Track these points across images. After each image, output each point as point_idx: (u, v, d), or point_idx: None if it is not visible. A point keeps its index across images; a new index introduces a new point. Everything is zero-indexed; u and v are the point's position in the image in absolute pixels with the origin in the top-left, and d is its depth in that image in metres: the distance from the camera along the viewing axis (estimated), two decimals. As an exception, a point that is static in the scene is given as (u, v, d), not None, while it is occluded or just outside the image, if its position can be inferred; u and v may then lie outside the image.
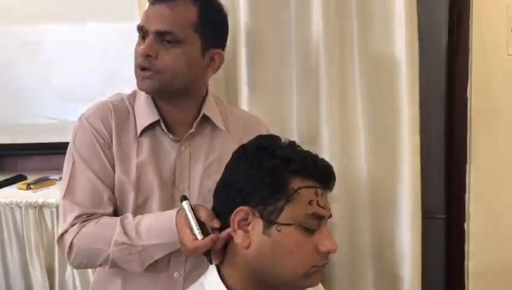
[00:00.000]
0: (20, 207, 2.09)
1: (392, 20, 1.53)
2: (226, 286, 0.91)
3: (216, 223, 0.97)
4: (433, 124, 1.76)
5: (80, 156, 1.16)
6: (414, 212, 1.55)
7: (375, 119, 1.58)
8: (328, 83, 1.54)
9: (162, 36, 1.12)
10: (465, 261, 1.74)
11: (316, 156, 0.95)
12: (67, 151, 1.19)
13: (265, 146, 0.94)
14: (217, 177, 0.99)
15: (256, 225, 0.89)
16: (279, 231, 0.88)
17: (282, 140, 0.97)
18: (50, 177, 2.36)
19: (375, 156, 1.59)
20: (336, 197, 1.53)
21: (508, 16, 1.60)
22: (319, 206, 0.90)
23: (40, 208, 2.08)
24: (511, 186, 1.68)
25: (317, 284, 0.96)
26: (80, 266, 1.18)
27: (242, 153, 0.97)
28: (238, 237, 0.90)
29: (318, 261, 0.90)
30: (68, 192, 1.15)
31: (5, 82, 2.48)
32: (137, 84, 1.16)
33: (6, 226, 2.11)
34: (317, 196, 0.91)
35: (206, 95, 1.26)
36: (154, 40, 1.12)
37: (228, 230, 0.93)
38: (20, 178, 2.40)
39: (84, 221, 1.12)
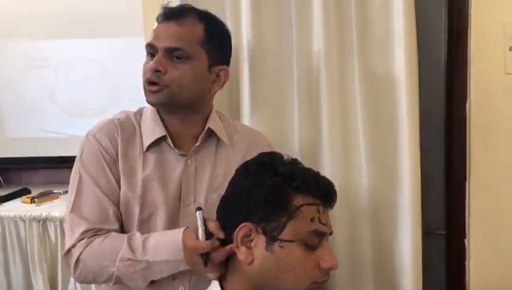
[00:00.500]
0: (24, 221, 2.10)
1: (391, 38, 1.55)
2: (229, 301, 0.93)
3: (221, 235, 0.99)
4: (433, 140, 1.77)
5: (87, 172, 1.18)
6: (414, 228, 1.56)
7: (376, 134, 1.59)
8: (328, 98, 1.56)
9: (171, 52, 1.15)
10: (466, 278, 1.74)
11: (318, 173, 0.98)
12: (74, 166, 1.21)
13: (268, 163, 0.96)
14: (221, 190, 1.01)
15: (259, 241, 0.91)
16: (281, 247, 0.89)
17: (285, 157, 0.99)
18: (54, 191, 2.38)
19: (376, 172, 1.60)
20: (337, 213, 1.54)
21: (506, 35, 1.62)
22: (321, 223, 0.92)
23: (43, 221, 2.09)
24: (511, 202, 1.69)
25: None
26: (84, 281, 1.19)
27: (245, 170, 0.99)
28: (242, 254, 0.92)
29: (319, 278, 0.92)
30: (75, 207, 1.17)
31: (11, 96, 2.51)
32: (146, 97, 1.19)
33: (10, 239, 2.12)
34: (319, 213, 0.92)
35: (211, 111, 1.29)
36: (163, 56, 1.15)
37: (231, 245, 0.94)
38: (24, 192, 2.42)
39: (91, 236, 1.14)
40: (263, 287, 0.92)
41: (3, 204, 2.28)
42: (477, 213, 1.69)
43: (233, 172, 1.03)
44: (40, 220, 2.09)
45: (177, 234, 1.09)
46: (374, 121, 1.58)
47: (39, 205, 2.23)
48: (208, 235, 1.02)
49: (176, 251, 1.08)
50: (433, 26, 1.76)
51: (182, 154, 1.22)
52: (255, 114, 1.59)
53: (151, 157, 1.21)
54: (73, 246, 1.14)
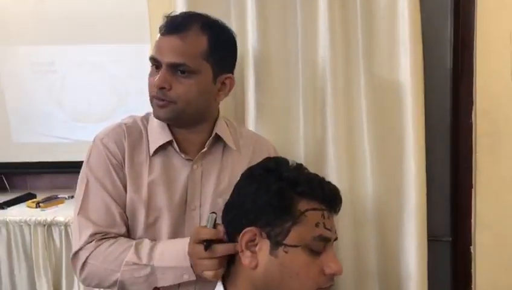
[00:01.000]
0: (29, 225, 2.11)
1: (397, 46, 1.55)
2: (233, 306, 0.93)
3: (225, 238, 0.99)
4: (439, 147, 1.77)
5: (94, 176, 1.19)
6: (420, 235, 1.55)
7: (381, 142, 1.59)
8: (334, 105, 1.56)
9: (174, 68, 1.14)
10: (472, 285, 1.73)
11: (323, 178, 0.98)
12: (81, 170, 1.22)
13: (273, 168, 0.96)
14: (227, 195, 1.02)
15: (264, 245, 0.91)
16: (286, 252, 0.89)
17: (290, 162, 0.99)
18: (59, 196, 2.39)
19: (381, 178, 1.60)
20: (342, 218, 1.54)
21: (512, 42, 1.62)
22: (326, 228, 0.92)
23: (48, 226, 2.10)
24: (517, 209, 1.68)
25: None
26: (89, 284, 1.19)
27: (250, 175, 0.99)
28: (246, 258, 0.92)
29: (324, 284, 0.92)
30: (82, 209, 1.17)
31: (17, 101, 2.53)
32: (153, 112, 1.20)
33: (15, 244, 2.13)
34: (324, 218, 0.92)
35: (217, 117, 1.29)
36: (167, 71, 1.14)
37: (235, 245, 0.94)
38: (29, 196, 2.43)
39: (99, 239, 1.14)
40: (267, 292, 0.92)
41: (9, 208, 2.29)
42: (483, 220, 1.68)
43: (239, 177, 1.03)
44: (45, 225, 2.10)
45: (186, 241, 1.08)
46: (380, 128, 1.58)
47: (44, 210, 2.24)
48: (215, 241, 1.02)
49: (182, 258, 1.08)
50: (439, 32, 1.76)
51: (188, 159, 1.23)
52: (260, 121, 1.59)
53: (158, 161, 1.22)
54: (81, 248, 1.14)
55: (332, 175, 1.56)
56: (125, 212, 1.19)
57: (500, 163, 1.65)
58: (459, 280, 1.78)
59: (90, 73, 2.44)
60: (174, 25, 1.16)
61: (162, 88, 1.14)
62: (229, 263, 1.00)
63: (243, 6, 1.57)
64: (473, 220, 1.70)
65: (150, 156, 1.21)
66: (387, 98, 1.57)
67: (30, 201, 2.34)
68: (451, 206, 1.82)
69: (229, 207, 0.99)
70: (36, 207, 2.27)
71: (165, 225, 1.19)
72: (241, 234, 0.92)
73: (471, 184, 1.69)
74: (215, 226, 1.02)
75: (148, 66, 1.21)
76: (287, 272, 0.89)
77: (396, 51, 1.55)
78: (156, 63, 1.17)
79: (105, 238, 1.15)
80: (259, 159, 1.05)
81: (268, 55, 1.58)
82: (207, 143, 1.24)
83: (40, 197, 2.40)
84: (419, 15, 1.52)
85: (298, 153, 1.60)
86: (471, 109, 1.66)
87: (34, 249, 2.10)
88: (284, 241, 0.89)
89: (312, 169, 1.01)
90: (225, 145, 1.28)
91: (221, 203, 1.12)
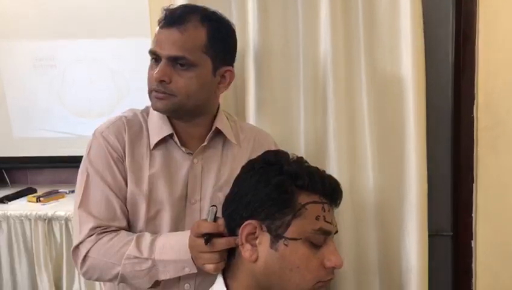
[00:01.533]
0: (30, 220, 2.11)
1: (398, 40, 1.54)
2: (233, 299, 0.93)
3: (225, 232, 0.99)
4: (440, 142, 1.77)
5: (94, 169, 1.18)
6: (421, 229, 1.55)
7: (382, 136, 1.59)
8: (335, 99, 1.55)
9: (174, 61, 1.14)
10: (473, 279, 1.73)
11: (323, 172, 0.97)
12: (81, 164, 1.22)
13: (273, 162, 0.96)
14: (227, 189, 1.01)
15: (264, 239, 0.91)
16: (286, 245, 0.89)
17: (290, 156, 0.98)
18: (60, 191, 2.40)
19: (382, 173, 1.59)
20: (343, 213, 1.54)
21: (514, 36, 1.62)
22: (326, 221, 0.91)
23: (49, 220, 2.11)
24: (518, 204, 1.68)
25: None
26: (90, 278, 1.19)
27: (250, 168, 0.98)
28: (246, 251, 0.92)
29: (324, 277, 0.91)
30: (83, 203, 1.17)
31: (17, 96, 2.53)
32: (152, 105, 1.19)
33: (15, 238, 2.14)
34: (324, 211, 0.92)
35: (217, 110, 1.29)
36: (166, 65, 1.14)
37: (235, 238, 0.94)
38: (30, 191, 2.44)
39: (100, 233, 1.14)
40: (267, 286, 0.92)
41: (9, 203, 2.30)
42: (485, 215, 1.68)
43: (239, 171, 1.03)
44: (45, 219, 2.10)
45: (187, 234, 1.08)
46: (381, 122, 1.58)
47: (45, 204, 2.25)
48: (215, 235, 1.02)
49: (183, 251, 1.08)
50: (440, 27, 1.76)
51: (188, 153, 1.23)
52: (261, 115, 1.58)
53: (158, 155, 1.21)
54: (82, 242, 1.14)
55: (333, 169, 1.56)
56: (125, 205, 1.19)
57: (502, 157, 1.65)
58: (460, 274, 1.78)
59: (91, 68, 2.43)
60: (173, 18, 1.16)
61: (161, 81, 1.14)
62: (230, 256, 1.00)
63: (243, -1, 1.57)
64: (474, 215, 1.70)
65: (150, 149, 1.21)
66: (389, 92, 1.57)
67: (31, 195, 2.34)
68: (452, 200, 1.82)
69: (229, 200, 0.99)
70: (37, 202, 2.27)
71: (165, 219, 1.19)
72: (241, 227, 0.92)
73: (473, 179, 1.69)
74: (215, 219, 1.02)
75: (149, 60, 1.20)
76: (287, 265, 0.89)
77: (397, 45, 1.55)
78: (155, 56, 1.16)
79: (106, 232, 1.15)
80: (259, 153, 1.05)
81: (269, 49, 1.58)
82: (207, 137, 1.24)
83: (40, 191, 2.40)
84: (420, 9, 1.52)
85: (299, 147, 1.60)
86: (473, 103, 1.66)
87: (34, 243, 2.10)
88: (284, 235, 0.89)
89: (312, 163, 1.00)
90: (225, 139, 1.27)
91: (221, 197, 1.12)
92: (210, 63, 1.18)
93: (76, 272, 2.08)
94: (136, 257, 1.11)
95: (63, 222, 2.09)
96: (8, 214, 2.14)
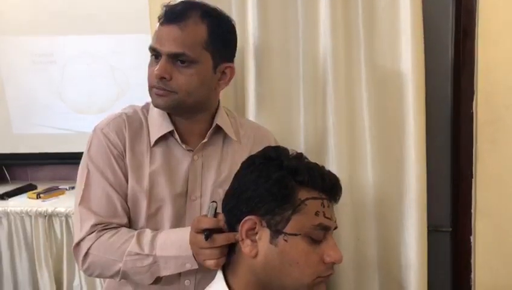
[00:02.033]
0: (30, 216, 2.12)
1: (398, 35, 1.54)
2: (233, 294, 0.93)
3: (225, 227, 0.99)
4: (439, 137, 1.77)
5: (95, 166, 1.18)
6: (420, 225, 1.56)
7: (382, 132, 1.59)
8: (334, 95, 1.55)
9: (174, 57, 1.13)
10: (471, 275, 1.74)
11: (323, 167, 0.97)
12: (82, 160, 1.21)
13: (273, 157, 0.96)
14: (227, 186, 1.01)
15: (264, 234, 0.91)
16: (285, 240, 0.89)
17: (290, 152, 0.99)
18: (60, 187, 2.40)
19: (382, 168, 1.60)
20: (342, 208, 1.54)
21: (513, 31, 1.62)
22: (325, 217, 0.92)
23: (49, 217, 2.11)
24: (518, 199, 1.68)
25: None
26: (91, 275, 1.19)
27: (250, 163, 0.99)
28: (246, 246, 0.92)
29: (324, 272, 0.92)
30: (83, 200, 1.17)
31: (17, 92, 2.53)
32: (152, 101, 1.19)
33: (16, 234, 2.14)
34: (324, 207, 0.92)
35: (218, 107, 1.29)
36: (167, 62, 1.13)
37: (235, 234, 0.94)
38: (30, 187, 2.44)
39: (101, 230, 1.14)
40: (267, 281, 0.92)
41: (10, 199, 2.30)
42: (484, 210, 1.69)
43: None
44: (45, 216, 2.11)
45: (188, 231, 1.09)
46: (380, 118, 1.58)
47: (45, 201, 2.25)
48: (215, 230, 1.02)
49: (184, 247, 1.08)
50: (440, 22, 1.75)
51: (189, 150, 1.23)
52: (261, 111, 1.58)
53: (158, 152, 1.22)
54: (83, 239, 1.14)
55: (333, 165, 1.56)
56: (126, 202, 1.19)
57: (501, 152, 1.65)
58: (459, 270, 1.78)
59: (91, 64, 2.43)
60: (173, 14, 1.15)
61: (162, 78, 1.13)
62: (230, 252, 1.00)
63: (243, -5, 1.57)
64: (473, 210, 1.70)
65: (150, 146, 1.21)
66: (388, 88, 1.57)
67: (31, 192, 2.35)
68: (451, 196, 1.82)
69: (229, 196, 0.99)
70: (37, 198, 2.28)
71: (166, 215, 1.20)
72: (241, 223, 0.92)
73: (472, 174, 1.69)
74: (215, 215, 1.02)
75: (148, 56, 1.20)
76: (287, 260, 0.89)
77: (397, 40, 1.55)
78: (155, 53, 1.16)
79: (106, 229, 1.15)
80: (259, 149, 1.05)
81: (269, 45, 1.58)
82: (208, 134, 1.24)
83: (40, 188, 2.41)
84: (420, 4, 1.52)
85: (298, 143, 1.60)
86: (473, 99, 1.66)
87: (35, 239, 2.11)
88: (284, 230, 0.89)
89: (312, 159, 1.01)
90: (225, 135, 1.28)
91: (221, 193, 1.12)
92: (210, 60, 1.17)
93: (77, 268, 2.08)
94: (137, 254, 1.11)
95: (63, 218, 2.09)
96: (9, 210, 2.14)
